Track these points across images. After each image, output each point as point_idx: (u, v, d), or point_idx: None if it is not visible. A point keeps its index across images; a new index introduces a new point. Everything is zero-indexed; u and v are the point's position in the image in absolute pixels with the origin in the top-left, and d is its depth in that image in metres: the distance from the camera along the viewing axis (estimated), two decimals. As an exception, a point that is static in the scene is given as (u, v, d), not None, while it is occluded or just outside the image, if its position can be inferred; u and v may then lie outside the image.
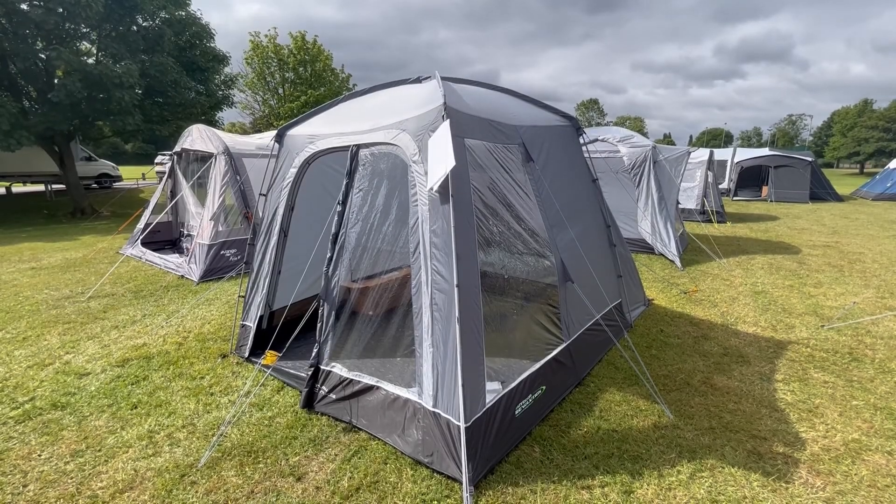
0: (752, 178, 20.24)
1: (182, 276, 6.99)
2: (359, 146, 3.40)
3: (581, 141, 4.46)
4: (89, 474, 2.76)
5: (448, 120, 2.70)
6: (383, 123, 3.22)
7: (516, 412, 2.94)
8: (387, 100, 3.41)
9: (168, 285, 6.60)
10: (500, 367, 3.20)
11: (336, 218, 3.40)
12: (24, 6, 12.34)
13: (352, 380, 3.19)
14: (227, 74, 18.53)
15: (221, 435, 3.08)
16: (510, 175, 3.33)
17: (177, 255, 8.06)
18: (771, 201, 18.73)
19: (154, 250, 8.21)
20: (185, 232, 8.89)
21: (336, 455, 2.89)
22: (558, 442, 2.99)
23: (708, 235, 10.04)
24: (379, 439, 2.99)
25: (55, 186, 18.29)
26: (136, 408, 3.50)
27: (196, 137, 7.75)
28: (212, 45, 17.13)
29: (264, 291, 4.17)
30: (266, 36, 28.75)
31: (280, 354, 3.68)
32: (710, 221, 12.53)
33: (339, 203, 3.39)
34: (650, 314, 5.27)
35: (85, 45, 15.05)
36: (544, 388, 3.24)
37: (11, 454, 2.96)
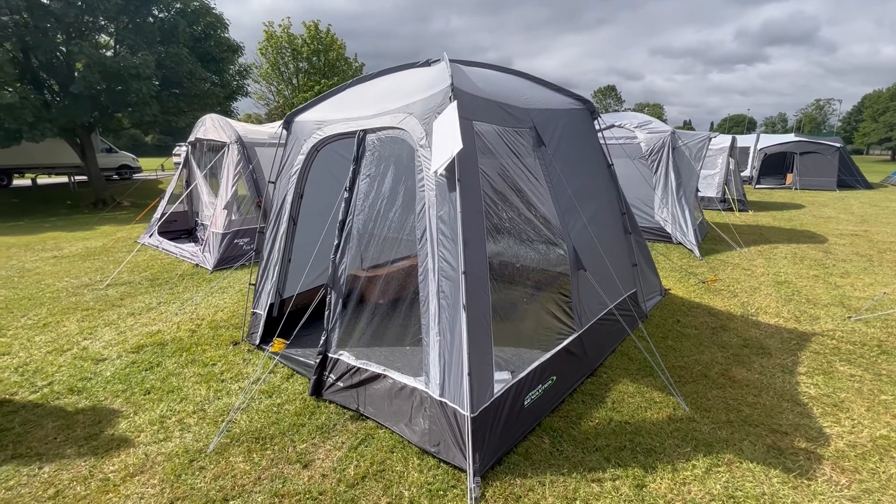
0: (776, 166, 19.57)
1: (197, 265, 7.08)
2: (365, 131, 3.33)
3: (596, 125, 4.31)
4: (102, 457, 2.81)
5: (455, 101, 2.61)
6: (390, 107, 3.14)
7: (525, 402, 2.87)
8: (394, 84, 3.33)
9: (183, 274, 6.69)
10: (509, 356, 3.13)
11: (343, 205, 3.35)
12: (45, 0, 12.52)
13: (359, 368, 3.17)
14: (241, 64, 18.61)
15: (230, 421, 3.10)
16: (521, 160, 3.23)
17: (192, 243, 8.16)
18: (796, 189, 18.11)
19: (170, 239, 8.32)
20: (200, 221, 9.00)
21: (343, 443, 2.88)
22: (568, 433, 2.92)
23: (728, 224, 9.74)
24: (386, 428, 2.97)
25: (78, 178, 18.73)
26: (148, 393, 3.55)
27: (209, 127, 7.79)
28: (226, 35, 17.17)
29: (274, 279, 4.17)
30: (280, 26, 28.76)
31: (288, 342, 3.67)
32: (731, 210, 12.16)
33: (345, 189, 3.34)
34: (667, 304, 5.13)
35: (103, 38, 15.25)
36: (555, 378, 3.17)
37: (29, 437, 3.02)
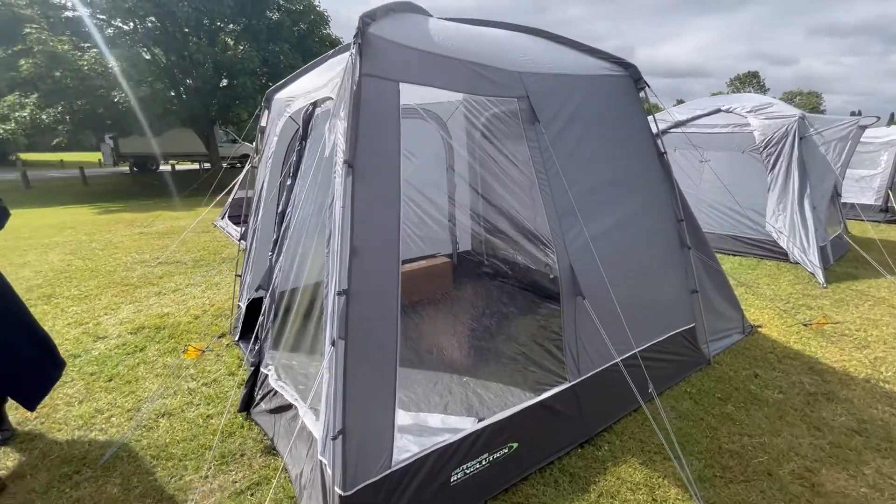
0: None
1: (243, 250, 7.24)
2: (315, 104, 2.75)
3: (642, 97, 3.17)
4: (21, 445, 2.68)
5: (359, 51, 1.88)
6: (336, 70, 2.50)
7: (453, 479, 2.06)
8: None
9: (227, 257, 6.87)
10: (442, 406, 2.34)
11: (285, 194, 2.82)
12: (174, 9, 14.20)
13: (276, 392, 2.63)
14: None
15: (133, 430, 2.79)
16: (495, 142, 2.37)
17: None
18: None
19: (236, 224, 8.75)
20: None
21: (234, 483, 2.37)
22: (514, 532, 2.04)
23: (882, 242, 7.28)
24: (288, 474, 2.39)
25: (205, 165, 21.40)
26: (110, 380, 3.44)
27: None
28: (327, 31, 18.04)
29: (252, 273, 3.84)
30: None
31: (203, 349, 3.28)
32: (894, 222, 9.23)
33: (288, 176, 2.80)
34: (748, 347, 3.73)
35: (221, 37, 16.98)
36: (515, 445, 2.28)
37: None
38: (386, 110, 1.95)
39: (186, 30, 14.79)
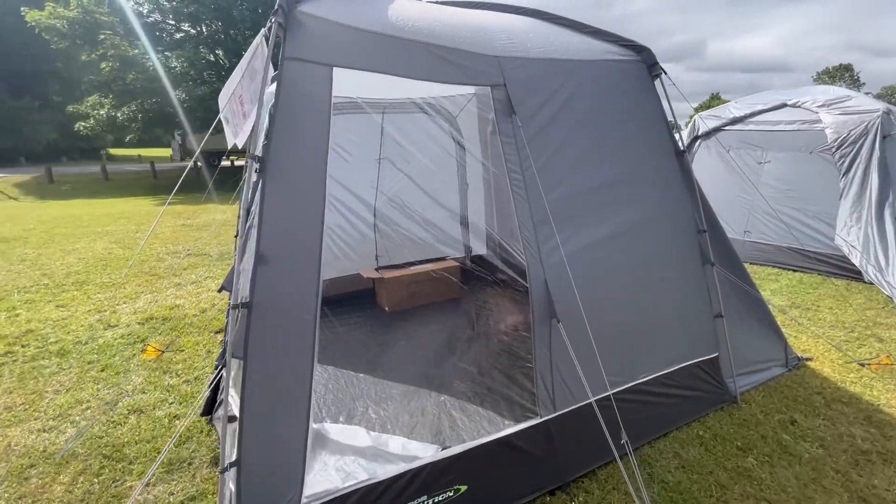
0: None
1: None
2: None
3: (657, 86, 2.70)
4: (-6, 434, 2.74)
5: (284, 31, 1.65)
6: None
7: (377, 524, 1.79)
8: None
9: (252, 251, 7.00)
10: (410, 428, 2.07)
11: (251, 189, 2.66)
12: (234, 12, 14.92)
13: (226, 399, 2.48)
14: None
15: (87, 427, 2.76)
16: (456, 135, 2.06)
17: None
18: None
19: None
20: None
21: (170, 494, 2.25)
22: None
23: None
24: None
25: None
26: (103, 370, 3.49)
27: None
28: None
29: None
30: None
31: (163, 349, 3.20)
32: None
33: (255, 160, 2.65)
34: (788, 385, 3.12)
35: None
36: (464, 487, 1.97)
37: (-27, 392, 3.17)
38: (313, 100, 1.71)
39: (247, 32, 15.53)
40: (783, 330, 3.50)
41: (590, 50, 2.58)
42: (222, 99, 1.65)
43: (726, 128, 6.69)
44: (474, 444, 2.02)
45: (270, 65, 1.66)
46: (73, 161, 30.91)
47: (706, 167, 6.71)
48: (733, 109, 6.70)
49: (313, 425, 2.65)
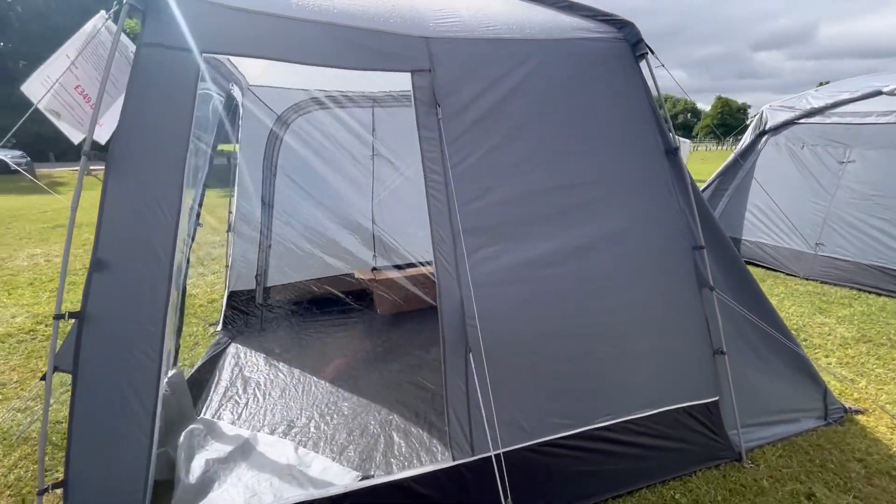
0: None
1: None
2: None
3: (643, 68, 2.20)
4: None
5: (132, 12, 1.49)
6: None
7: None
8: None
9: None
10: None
11: (200, 189, 2.60)
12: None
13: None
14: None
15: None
16: (360, 132, 1.80)
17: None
18: None
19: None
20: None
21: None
22: None
23: None
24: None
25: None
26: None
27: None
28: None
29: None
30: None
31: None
32: None
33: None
34: (818, 444, 2.46)
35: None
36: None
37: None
38: (171, 90, 1.53)
39: None
40: (839, 370, 2.82)
41: (557, 27, 2.16)
42: (37, 90, 1.55)
43: (801, 121, 5.67)
44: (380, 482, 1.76)
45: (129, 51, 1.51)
46: None
47: (774, 167, 5.76)
48: (812, 99, 5.65)
49: (243, 433, 2.57)
